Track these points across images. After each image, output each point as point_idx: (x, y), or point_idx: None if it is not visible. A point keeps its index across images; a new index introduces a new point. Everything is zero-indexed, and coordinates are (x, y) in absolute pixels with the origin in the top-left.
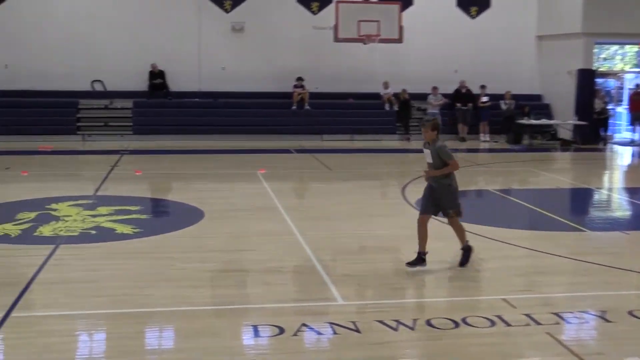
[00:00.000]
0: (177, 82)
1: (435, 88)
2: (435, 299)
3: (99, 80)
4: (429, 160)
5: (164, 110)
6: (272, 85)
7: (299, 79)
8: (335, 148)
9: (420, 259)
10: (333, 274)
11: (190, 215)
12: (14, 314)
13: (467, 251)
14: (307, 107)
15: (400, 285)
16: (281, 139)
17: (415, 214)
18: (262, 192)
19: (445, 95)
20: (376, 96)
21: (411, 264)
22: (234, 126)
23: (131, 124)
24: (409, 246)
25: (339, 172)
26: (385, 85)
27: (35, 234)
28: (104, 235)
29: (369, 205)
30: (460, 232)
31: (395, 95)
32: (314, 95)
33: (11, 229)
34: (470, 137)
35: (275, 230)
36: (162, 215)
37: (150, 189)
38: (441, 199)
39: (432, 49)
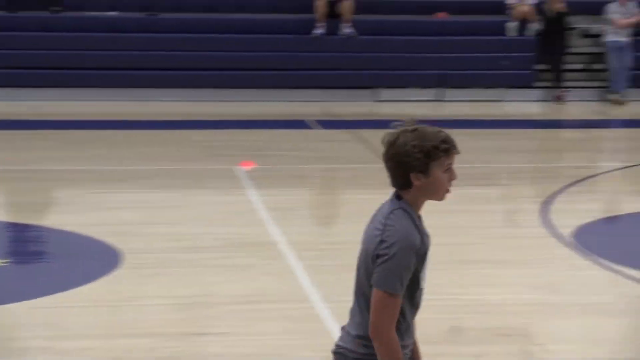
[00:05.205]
0: None
1: None
2: None
3: None
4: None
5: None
6: None
7: None
8: (403, 118)
9: None
10: None
11: (92, 261)
12: None
13: None
14: (347, 29)
15: None
16: (289, 97)
17: (575, 260)
18: (244, 209)
19: None
20: (497, 7)
21: None
22: (190, 72)
23: None
24: (562, 325)
25: None
26: None
27: None
28: None
29: (472, 241)
30: None
31: (539, 6)
32: (363, 7)
33: None
34: None
35: (272, 294)
36: (31, 261)
37: (7, 203)
38: None
39: None
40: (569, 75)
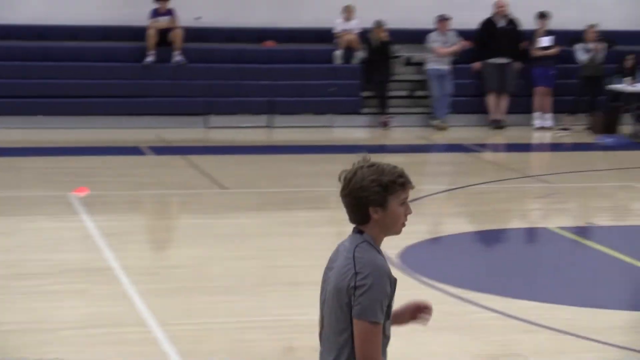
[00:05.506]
0: None
1: (443, 19)
2: None
3: None
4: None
5: None
6: (103, 12)
7: None
8: (234, 144)
9: None
10: None
11: None
12: None
13: None
14: (177, 57)
15: None
16: (122, 124)
17: (402, 281)
18: (77, 235)
19: (464, 34)
20: (324, 35)
21: None
22: (20, 99)
23: None
24: None
25: (241, 195)
26: (348, 12)
27: None
28: None
29: (302, 264)
30: None
31: (364, 35)
32: (193, 35)
33: None
34: (513, 121)
35: (107, 319)
36: None
37: None
38: None
39: None
40: (393, 101)
